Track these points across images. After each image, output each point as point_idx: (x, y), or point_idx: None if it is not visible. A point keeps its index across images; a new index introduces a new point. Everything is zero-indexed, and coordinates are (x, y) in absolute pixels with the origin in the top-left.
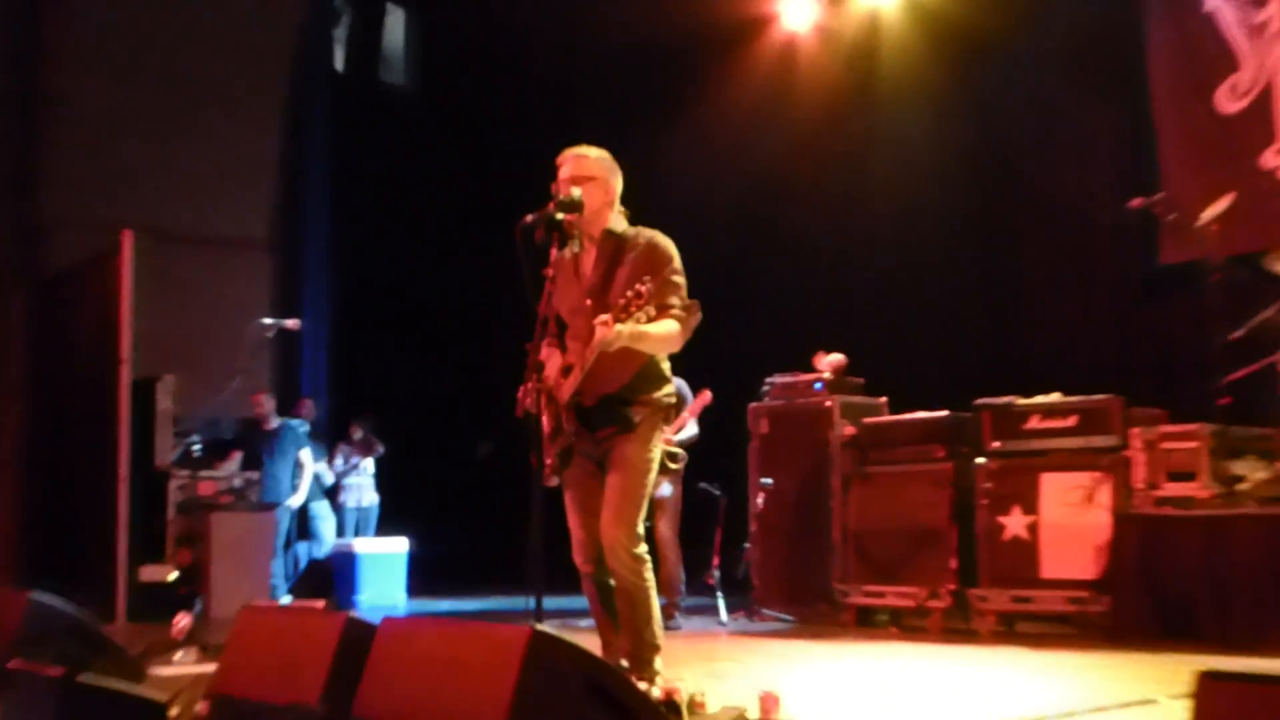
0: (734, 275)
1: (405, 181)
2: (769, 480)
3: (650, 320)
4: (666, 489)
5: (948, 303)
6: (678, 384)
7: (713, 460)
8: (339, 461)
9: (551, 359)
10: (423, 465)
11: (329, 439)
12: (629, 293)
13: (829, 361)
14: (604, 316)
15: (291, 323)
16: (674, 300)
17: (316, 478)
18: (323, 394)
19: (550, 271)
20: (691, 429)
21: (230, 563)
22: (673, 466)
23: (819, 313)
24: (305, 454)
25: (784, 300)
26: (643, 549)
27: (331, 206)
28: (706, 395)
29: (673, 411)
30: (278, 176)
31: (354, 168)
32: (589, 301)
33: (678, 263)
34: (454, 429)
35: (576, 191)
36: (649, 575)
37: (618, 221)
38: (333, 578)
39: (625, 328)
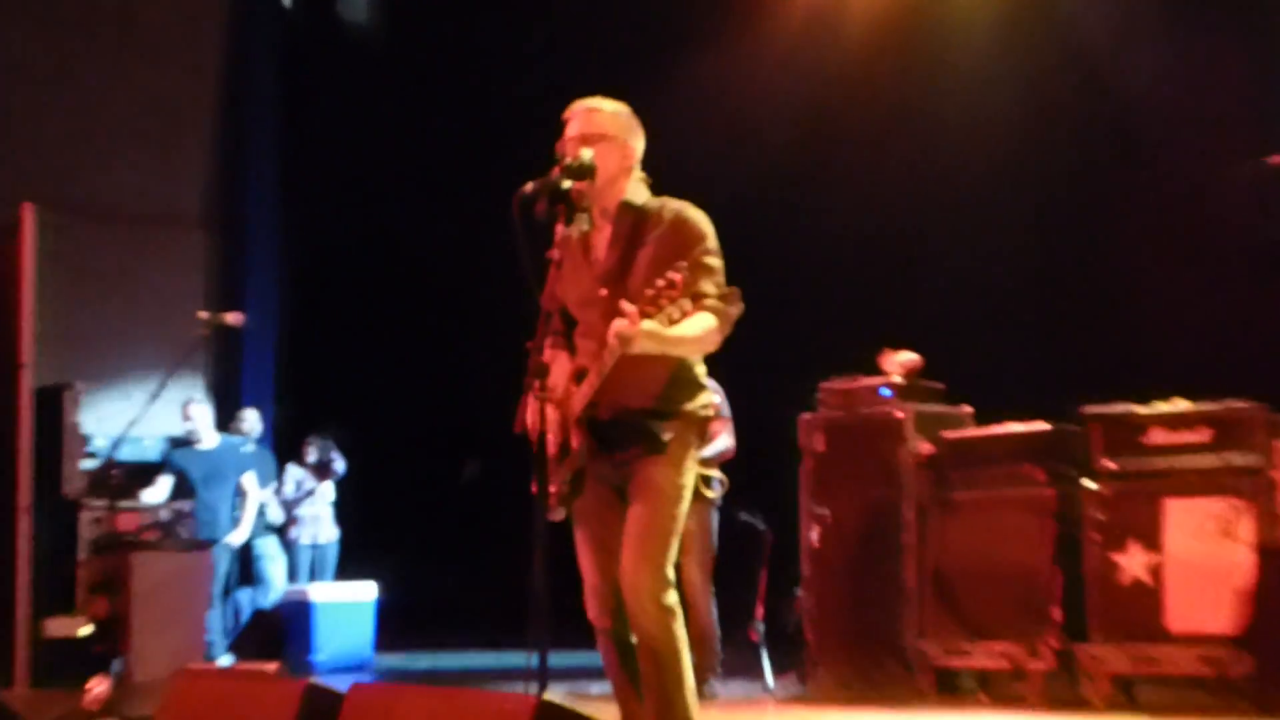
0: (777, 255)
1: (371, 144)
2: (825, 510)
3: (683, 315)
4: (724, 443)
5: (1041, 288)
6: (711, 387)
7: (754, 484)
8: (290, 488)
9: (558, 362)
10: (395, 492)
11: (278, 459)
12: (659, 281)
13: (900, 361)
14: (629, 308)
15: (232, 317)
16: (709, 288)
17: (262, 509)
18: (270, 404)
19: (555, 254)
20: (724, 441)
21: (156, 614)
22: (709, 495)
23: (884, 302)
24: (249, 479)
25: (841, 286)
26: (673, 597)
27: (280, 174)
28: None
29: (708, 426)
30: (214, 137)
31: (307, 127)
32: (603, 290)
33: (713, 241)
34: (435, 447)
35: (587, 154)
36: (680, 630)
37: (638, 191)
38: (284, 633)
39: (652, 326)
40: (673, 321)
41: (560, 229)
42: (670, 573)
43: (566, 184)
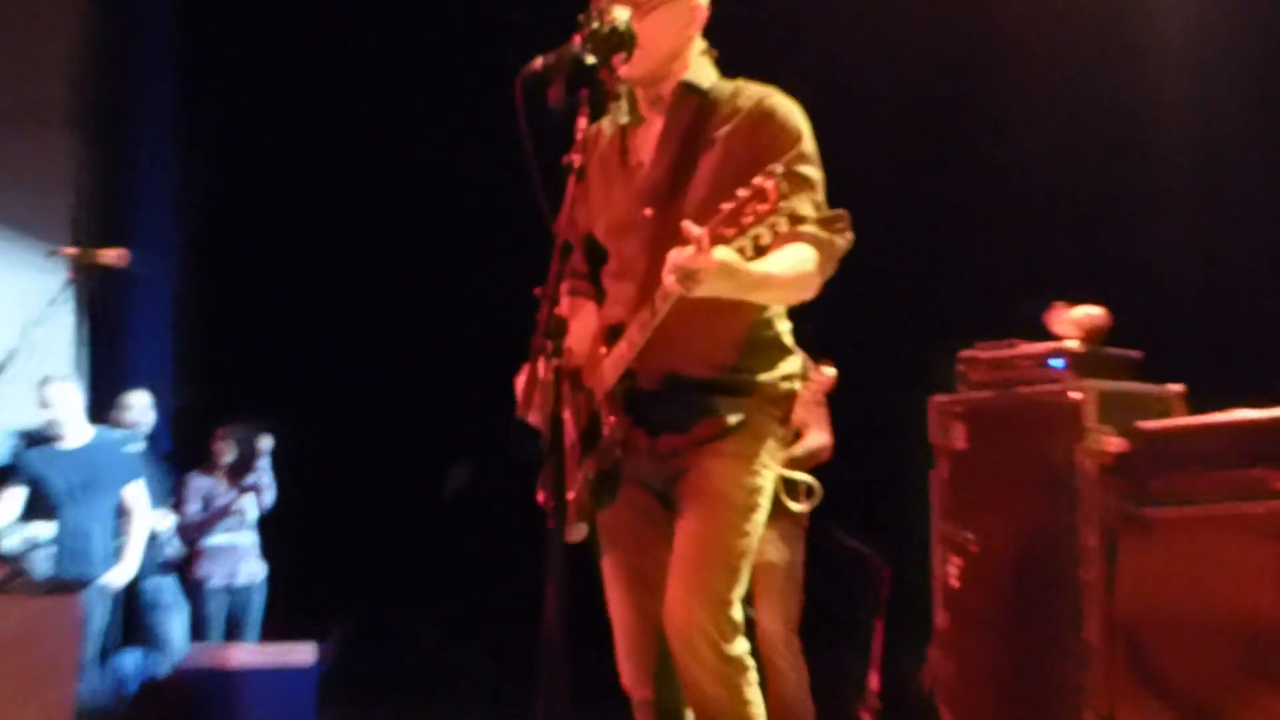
0: (900, 179)
1: (311, 35)
2: (968, 534)
3: (775, 242)
4: (817, 439)
5: (1267, 227)
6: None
7: (862, 496)
8: (194, 506)
9: (581, 315)
10: (346, 511)
11: (177, 464)
12: (742, 191)
13: (1075, 319)
14: (694, 230)
15: (112, 255)
16: (807, 207)
17: (155, 536)
18: (166, 386)
19: (576, 159)
20: (817, 437)
21: (3, 681)
22: (795, 508)
23: (1048, 241)
24: (135, 492)
25: (989, 215)
26: (742, 647)
27: (178, 62)
28: (825, 374)
29: (793, 407)
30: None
31: (214, 11)
32: (648, 210)
33: (810, 143)
34: (403, 447)
35: (623, 14)
36: (754, 695)
37: (702, 70)
38: (188, 711)
39: (730, 256)
40: (759, 251)
41: (583, 124)
42: (739, 613)
43: (592, 59)
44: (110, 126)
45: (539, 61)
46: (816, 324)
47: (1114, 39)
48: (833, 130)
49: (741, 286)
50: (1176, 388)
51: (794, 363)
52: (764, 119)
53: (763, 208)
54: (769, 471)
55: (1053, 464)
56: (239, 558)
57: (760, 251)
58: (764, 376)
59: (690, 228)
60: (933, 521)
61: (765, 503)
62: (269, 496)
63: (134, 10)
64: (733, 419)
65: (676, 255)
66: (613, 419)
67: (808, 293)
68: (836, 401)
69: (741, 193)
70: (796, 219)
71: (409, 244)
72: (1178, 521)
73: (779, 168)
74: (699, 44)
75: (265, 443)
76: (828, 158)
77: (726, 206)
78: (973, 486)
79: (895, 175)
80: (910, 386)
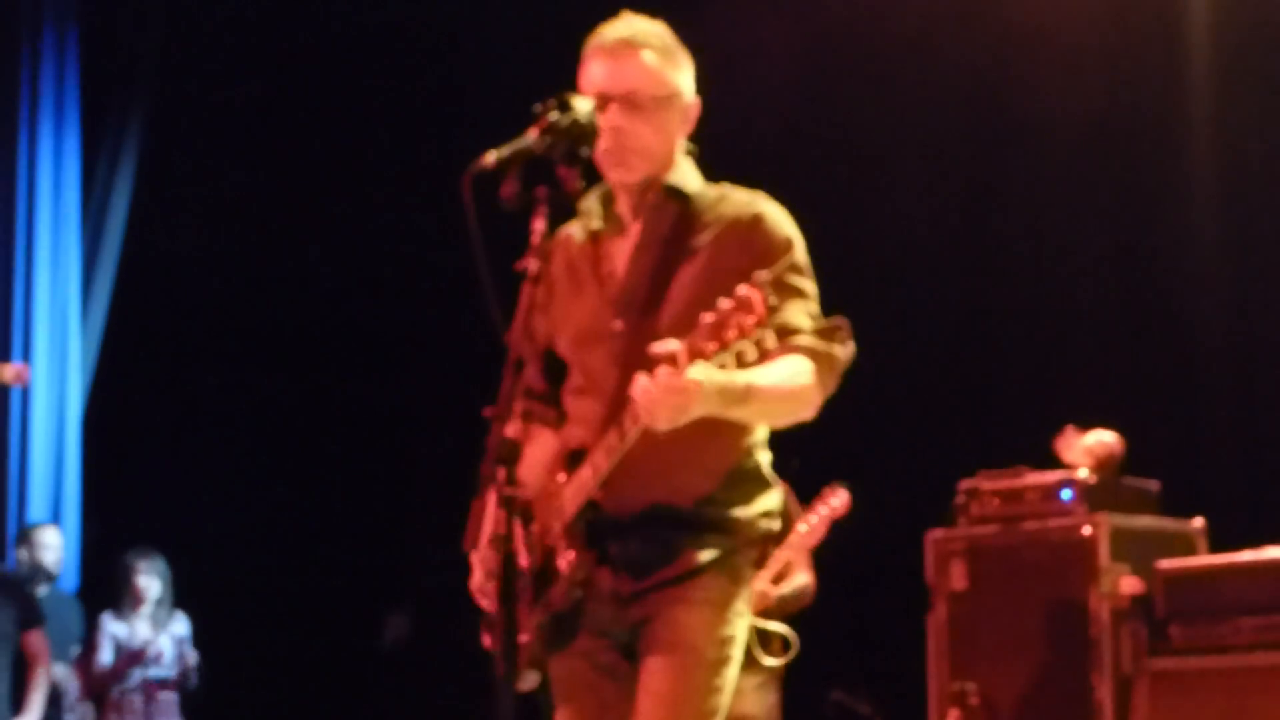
0: (895, 290)
1: (241, 71)
2: (969, 685)
3: (761, 357)
4: (802, 579)
5: None
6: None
7: (851, 643)
8: (105, 652)
9: (537, 439)
10: (270, 660)
11: (87, 607)
12: (725, 302)
13: (1088, 446)
14: (673, 345)
15: (10, 373)
16: (800, 318)
17: (59, 691)
18: (73, 518)
19: (533, 263)
20: (802, 577)
21: None
22: (768, 663)
23: (1059, 360)
24: (36, 641)
25: (995, 337)
26: None
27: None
28: (838, 500)
29: (772, 545)
30: None
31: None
32: (619, 323)
33: (802, 252)
34: (334, 589)
35: (585, 105)
36: None
37: (687, 171)
38: None
39: (716, 375)
40: (744, 366)
41: (540, 225)
42: None
43: (551, 154)
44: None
45: (491, 156)
46: (803, 458)
47: (1126, 161)
48: (827, 246)
49: (726, 400)
50: (1199, 522)
51: (774, 498)
52: (751, 227)
53: (748, 320)
54: (742, 621)
55: (1062, 607)
56: (162, 713)
57: (750, 365)
58: (742, 513)
59: (664, 345)
60: (929, 671)
61: (738, 654)
62: (193, 678)
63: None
64: (704, 557)
65: (651, 377)
66: (572, 555)
67: (805, 411)
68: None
69: (724, 303)
70: (789, 330)
71: (343, 358)
72: (1202, 673)
73: (766, 275)
74: (683, 144)
75: (181, 627)
76: (822, 271)
77: (708, 318)
78: (973, 632)
79: (888, 285)
80: (905, 520)
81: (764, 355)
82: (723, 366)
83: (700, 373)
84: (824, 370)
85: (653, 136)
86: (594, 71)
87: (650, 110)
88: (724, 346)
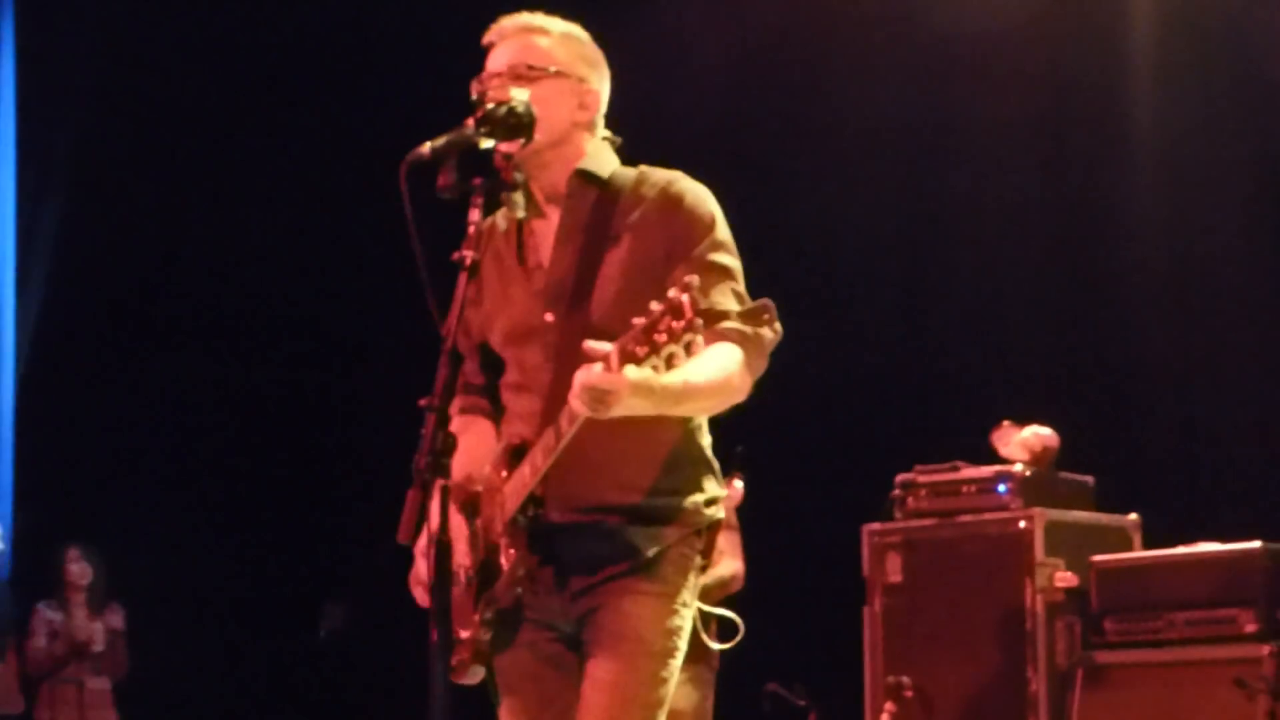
0: (832, 283)
1: (157, 81)
2: (903, 678)
3: (690, 353)
4: (728, 567)
5: (1232, 343)
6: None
7: (787, 635)
8: (40, 640)
9: (473, 432)
10: (206, 650)
11: (21, 599)
12: (656, 306)
13: (1024, 440)
14: (600, 348)
15: None
16: (727, 300)
17: None
18: (4, 505)
19: (469, 253)
20: (730, 564)
21: None
22: (715, 647)
23: (995, 355)
24: None
25: (930, 331)
26: None
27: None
28: (734, 488)
29: (716, 535)
30: None
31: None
32: (549, 315)
33: (723, 229)
34: (270, 578)
35: (521, 96)
36: None
37: (602, 157)
38: None
39: (644, 375)
40: (673, 366)
41: (475, 216)
42: None
43: (487, 143)
44: None
45: (426, 146)
46: (748, 445)
47: (1068, 145)
48: (768, 239)
49: (661, 403)
50: (1133, 517)
51: (718, 485)
52: (672, 207)
53: (678, 324)
54: (689, 611)
55: (997, 601)
56: (89, 704)
57: (679, 363)
58: (687, 501)
59: (596, 347)
60: (865, 664)
61: (684, 645)
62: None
63: None
64: (651, 551)
65: (583, 374)
66: (514, 552)
67: (737, 396)
68: (759, 529)
69: (655, 307)
70: (717, 315)
71: (279, 348)
72: (1136, 667)
73: (695, 279)
74: (601, 130)
75: (116, 619)
76: (762, 264)
77: (638, 322)
78: (909, 625)
79: (825, 279)
80: (840, 513)
81: (693, 349)
82: (654, 369)
83: (635, 374)
84: (752, 354)
85: (537, 108)
86: (490, 59)
87: (530, 81)
88: (654, 350)
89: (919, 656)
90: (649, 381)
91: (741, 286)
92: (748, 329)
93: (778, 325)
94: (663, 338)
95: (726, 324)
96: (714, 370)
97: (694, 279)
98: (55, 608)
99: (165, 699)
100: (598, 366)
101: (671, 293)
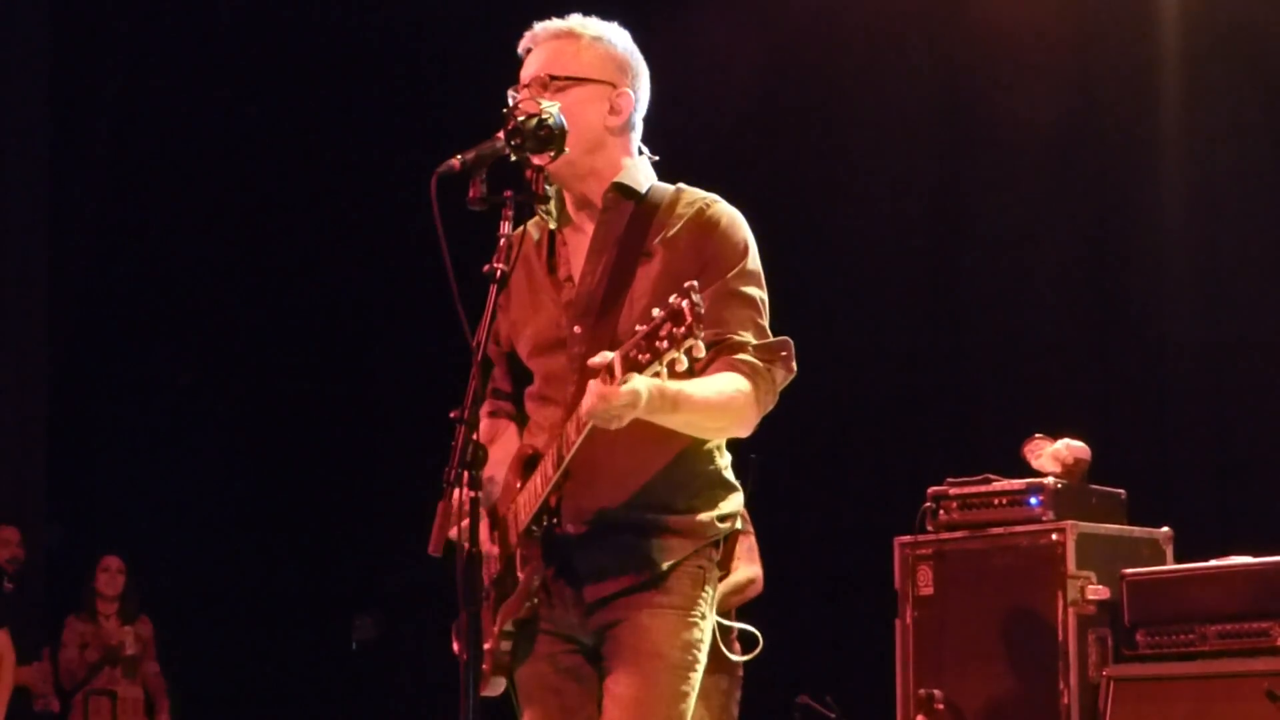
0: (864, 303)
1: (190, 96)
2: (934, 691)
3: (697, 369)
4: (744, 573)
5: (1262, 356)
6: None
7: (815, 647)
8: (72, 650)
9: (502, 440)
10: (240, 661)
11: (54, 609)
12: (657, 312)
13: (1056, 453)
14: (607, 356)
15: None
16: (744, 331)
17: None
18: (38, 521)
19: (499, 265)
20: (746, 570)
21: None
22: (734, 658)
23: (1028, 369)
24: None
25: (964, 346)
26: None
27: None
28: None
29: (734, 547)
30: None
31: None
32: (577, 327)
33: (755, 259)
34: (302, 592)
35: (553, 108)
36: None
37: (639, 170)
38: None
39: (646, 383)
40: (676, 376)
41: (506, 228)
42: None
43: (518, 155)
44: None
45: (457, 159)
46: (763, 455)
47: (1088, 168)
48: (798, 253)
49: (654, 408)
50: (1165, 530)
51: (736, 500)
52: (708, 229)
53: (678, 331)
54: (707, 623)
55: (1029, 614)
56: (123, 713)
57: (682, 376)
58: (702, 516)
59: (600, 356)
60: (896, 676)
61: (704, 658)
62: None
63: None
64: (665, 562)
65: (596, 385)
66: (529, 564)
67: (738, 428)
68: (792, 542)
69: (657, 313)
70: (734, 345)
71: (310, 360)
72: (1167, 679)
73: (696, 286)
74: (637, 142)
75: (145, 629)
76: (792, 278)
77: (641, 329)
78: (940, 637)
79: (857, 292)
80: (872, 525)
81: (698, 363)
82: (656, 375)
83: (637, 383)
84: (761, 389)
85: (567, 115)
86: (524, 67)
87: (559, 91)
88: (656, 357)
89: (950, 669)
90: (653, 390)
91: (765, 320)
92: (760, 364)
93: (793, 365)
94: (664, 344)
95: (741, 356)
96: (713, 392)
97: (694, 286)
98: (86, 619)
99: (198, 711)
100: (601, 378)
101: (673, 299)
